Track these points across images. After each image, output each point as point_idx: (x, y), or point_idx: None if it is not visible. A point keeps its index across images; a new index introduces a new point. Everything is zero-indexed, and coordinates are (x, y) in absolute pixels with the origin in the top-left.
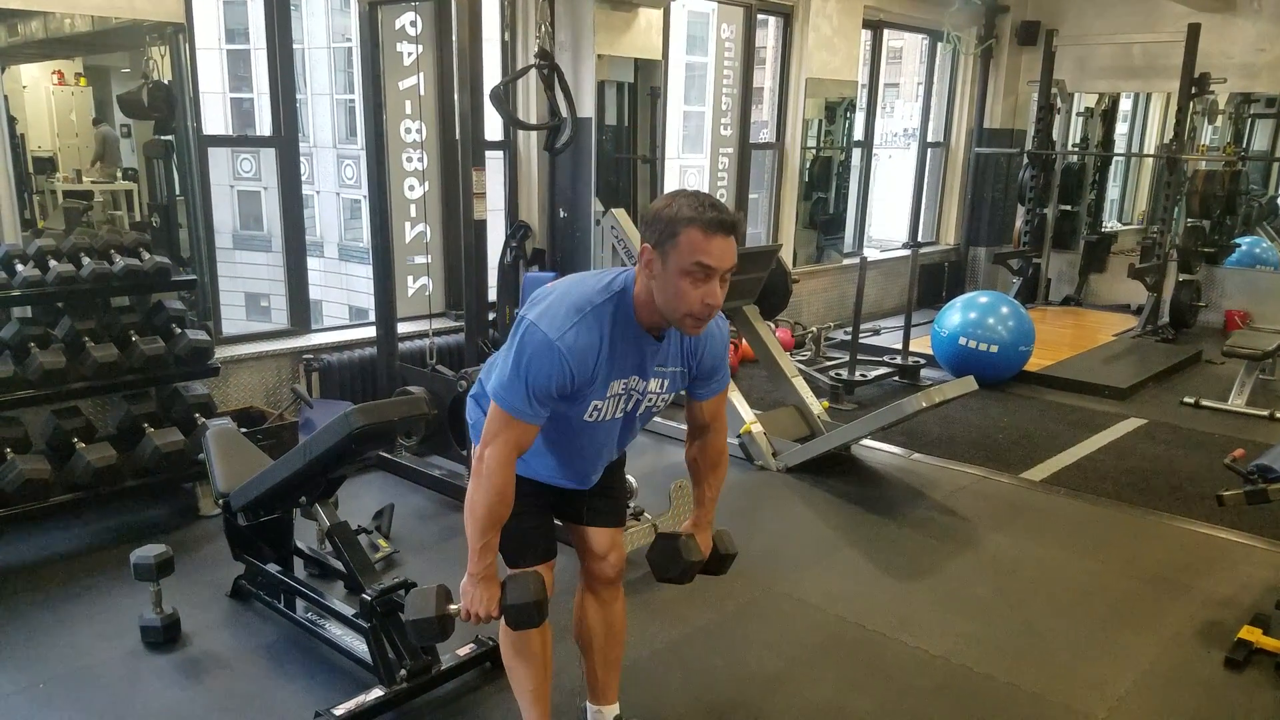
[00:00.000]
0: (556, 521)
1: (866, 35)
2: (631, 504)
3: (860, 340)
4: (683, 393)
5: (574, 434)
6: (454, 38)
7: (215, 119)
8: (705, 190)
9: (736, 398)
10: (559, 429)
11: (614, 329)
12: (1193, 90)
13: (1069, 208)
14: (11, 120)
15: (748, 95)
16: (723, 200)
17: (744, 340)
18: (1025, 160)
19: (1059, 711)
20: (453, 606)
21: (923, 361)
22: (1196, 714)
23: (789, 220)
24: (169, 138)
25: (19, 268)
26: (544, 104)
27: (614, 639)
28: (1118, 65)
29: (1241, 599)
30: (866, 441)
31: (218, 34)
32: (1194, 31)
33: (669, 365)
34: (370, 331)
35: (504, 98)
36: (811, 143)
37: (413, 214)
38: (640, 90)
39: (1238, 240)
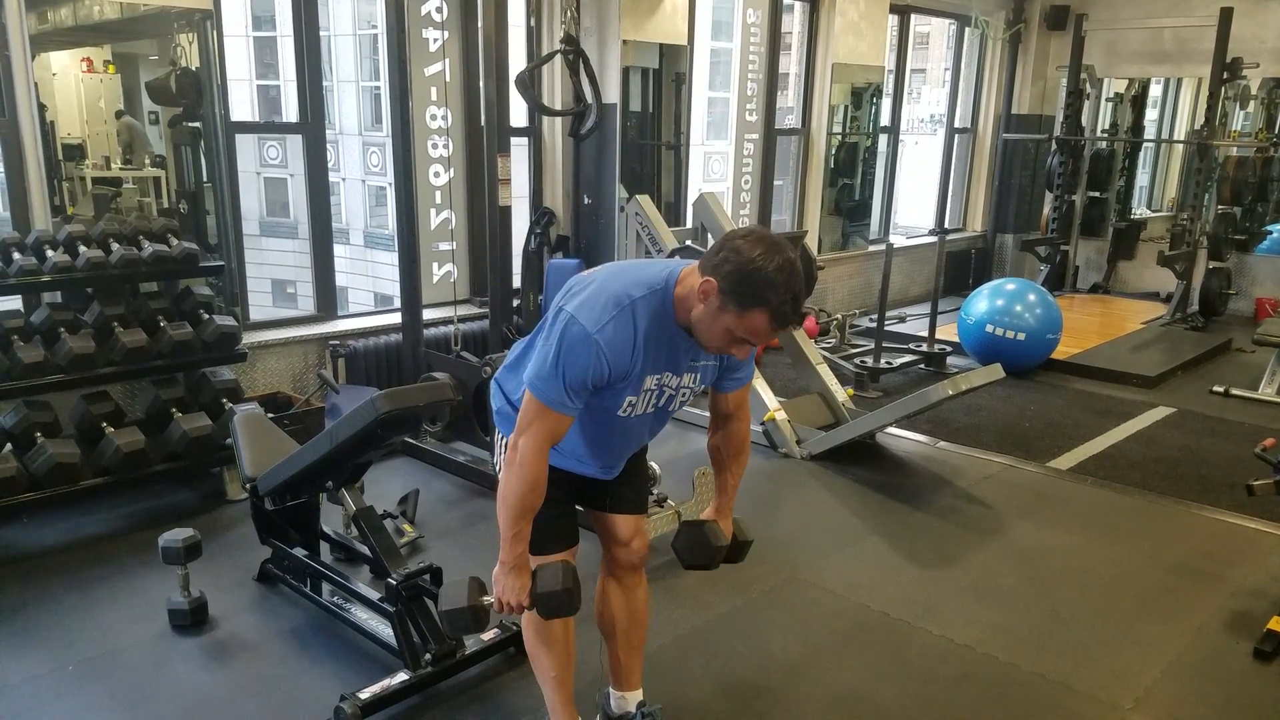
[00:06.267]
0: (578, 507)
1: (893, 20)
2: (655, 490)
3: (886, 327)
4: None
5: (606, 425)
6: (479, 23)
7: (242, 106)
8: (733, 169)
9: (760, 385)
10: (593, 419)
11: (650, 325)
12: (1224, 75)
13: (1097, 194)
14: (41, 108)
15: (773, 81)
16: (749, 184)
17: None
18: (1053, 146)
19: (1085, 701)
20: (486, 598)
21: (949, 349)
22: (1224, 705)
23: (814, 207)
24: (197, 124)
25: (49, 254)
26: (569, 90)
27: (637, 625)
28: (1148, 50)
29: (1271, 590)
30: (891, 429)
31: (245, 21)
32: (1226, 15)
33: (702, 359)
34: (396, 318)
35: (529, 83)
36: (837, 129)
37: (438, 200)
38: (665, 76)
39: (1269, 227)
